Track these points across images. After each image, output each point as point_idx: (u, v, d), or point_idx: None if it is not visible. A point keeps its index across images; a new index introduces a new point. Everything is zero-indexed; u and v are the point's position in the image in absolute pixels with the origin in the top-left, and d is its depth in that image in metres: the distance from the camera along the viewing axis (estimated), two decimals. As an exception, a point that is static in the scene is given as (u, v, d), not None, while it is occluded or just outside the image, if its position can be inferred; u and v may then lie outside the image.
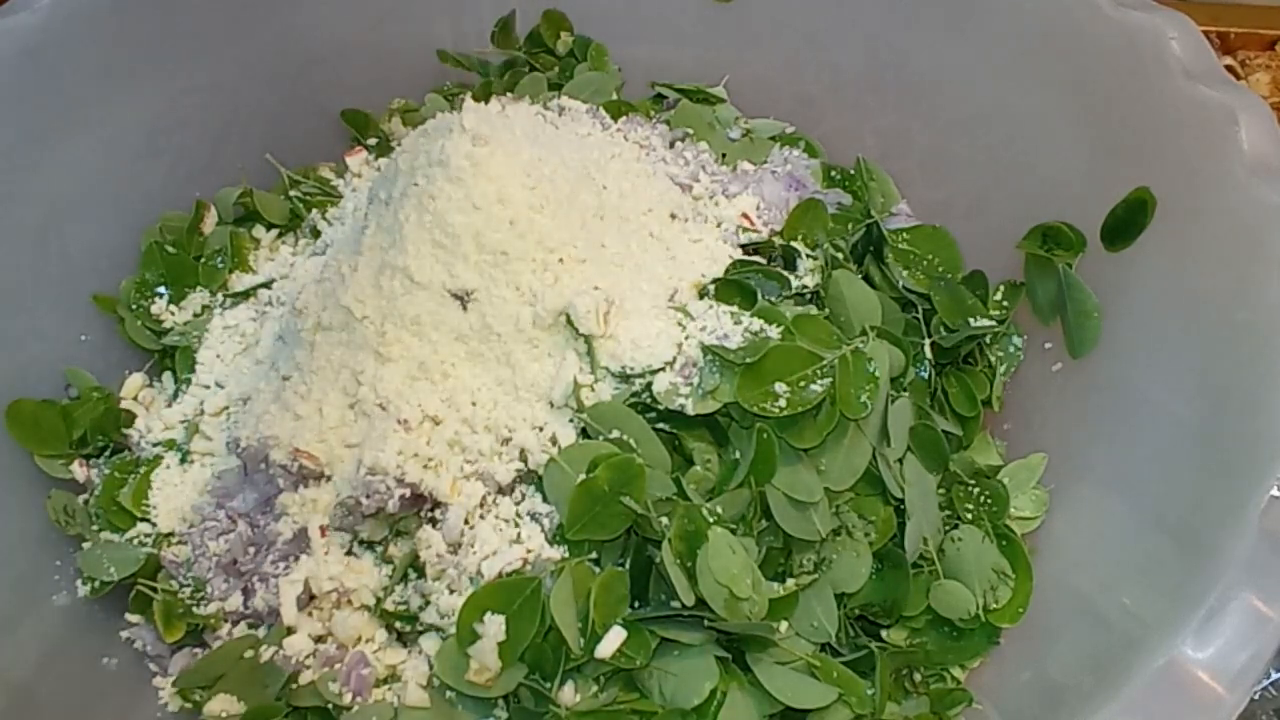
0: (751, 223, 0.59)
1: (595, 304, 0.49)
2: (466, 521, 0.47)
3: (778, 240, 0.59)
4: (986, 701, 0.48)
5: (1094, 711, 0.37)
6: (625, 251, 0.53)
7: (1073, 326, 0.53)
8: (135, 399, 0.58)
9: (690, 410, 0.48)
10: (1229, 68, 0.79)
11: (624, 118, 0.65)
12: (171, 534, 0.52)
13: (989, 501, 0.51)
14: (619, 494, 0.45)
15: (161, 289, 0.60)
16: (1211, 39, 0.81)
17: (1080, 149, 0.54)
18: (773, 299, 0.53)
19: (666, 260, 0.54)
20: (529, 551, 0.46)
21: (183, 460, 0.55)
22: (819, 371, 0.48)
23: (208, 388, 0.58)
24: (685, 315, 0.51)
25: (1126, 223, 0.51)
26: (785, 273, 0.55)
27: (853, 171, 0.65)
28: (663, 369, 0.49)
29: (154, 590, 0.50)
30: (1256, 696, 0.55)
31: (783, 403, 0.47)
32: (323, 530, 0.49)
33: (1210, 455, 0.43)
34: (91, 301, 0.58)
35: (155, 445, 0.56)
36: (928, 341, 0.55)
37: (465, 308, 0.49)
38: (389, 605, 0.49)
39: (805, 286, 0.55)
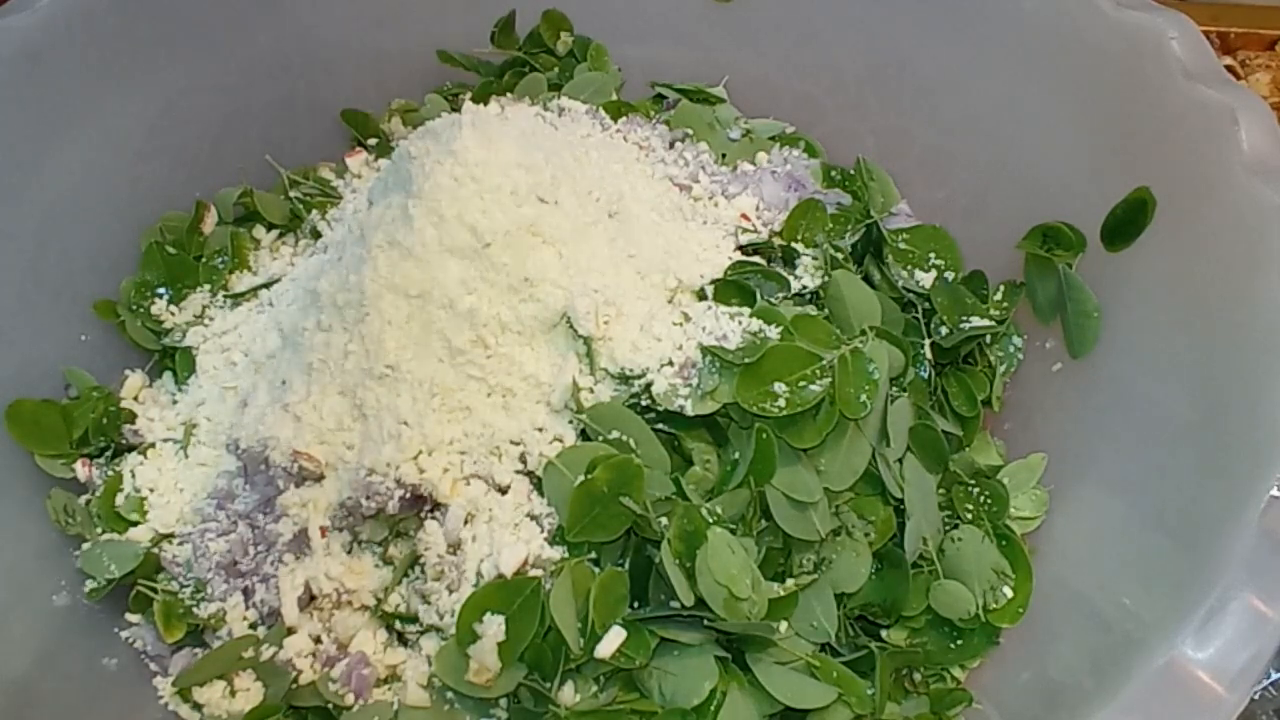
0: (751, 223, 0.59)
1: (594, 305, 0.49)
2: (466, 521, 0.47)
3: (777, 240, 0.59)
4: (986, 701, 0.48)
5: (1094, 711, 0.37)
6: (624, 253, 0.53)
7: (1073, 326, 0.53)
8: (135, 399, 0.58)
9: (689, 411, 0.48)
10: (1229, 68, 0.79)
11: (624, 118, 0.65)
12: (171, 534, 0.52)
13: (989, 501, 0.51)
14: (618, 495, 0.45)
15: (162, 289, 0.60)
16: (1211, 39, 0.81)
17: (1080, 149, 0.54)
18: (772, 299, 0.53)
19: (666, 261, 0.54)
20: (529, 552, 0.46)
21: (183, 461, 0.55)
22: (818, 372, 0.48)
23: (207, 388, 0.58)
24: (684, 316, 0.51)
25: (1126, 223, 0.51)
26: (785, 273, 0.56)
27: (853, 171, 0.65)
28: (662, 370, 0.49)
29: (154, 590, 0.50)
30: (1256, 696, 0.55)
31: (782, 403, 0.47)
32: (323, 531, 0.49)
33: (1210, 455, 0.43)
34: (92, 309, 0.59)
35: (155, 445, 0.56)
36: (928, 341, 0.55)
37: (465, 309, 0.49)
38: (389, 605, 0.49)
39: (805, 287, 0.55)
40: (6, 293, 0.54)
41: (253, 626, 0.50)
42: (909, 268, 0.59)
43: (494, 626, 0.43)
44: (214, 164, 0.65)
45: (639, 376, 0.49)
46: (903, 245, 0.59)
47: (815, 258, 0.58)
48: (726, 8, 0.69)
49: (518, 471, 0.49)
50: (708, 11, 0.69)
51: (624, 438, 0.48)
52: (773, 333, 0.50)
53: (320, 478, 0.49)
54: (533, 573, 0.46)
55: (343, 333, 0.50)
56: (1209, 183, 0.47)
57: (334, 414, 0.49)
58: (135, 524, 0.53)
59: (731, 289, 0.53)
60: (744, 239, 0.58)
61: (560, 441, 0.48)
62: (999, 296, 0.57)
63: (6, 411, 0.52)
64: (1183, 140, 0.48)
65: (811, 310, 0.53)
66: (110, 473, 0.54)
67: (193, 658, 0.50)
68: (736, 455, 0.49)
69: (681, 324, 0.51)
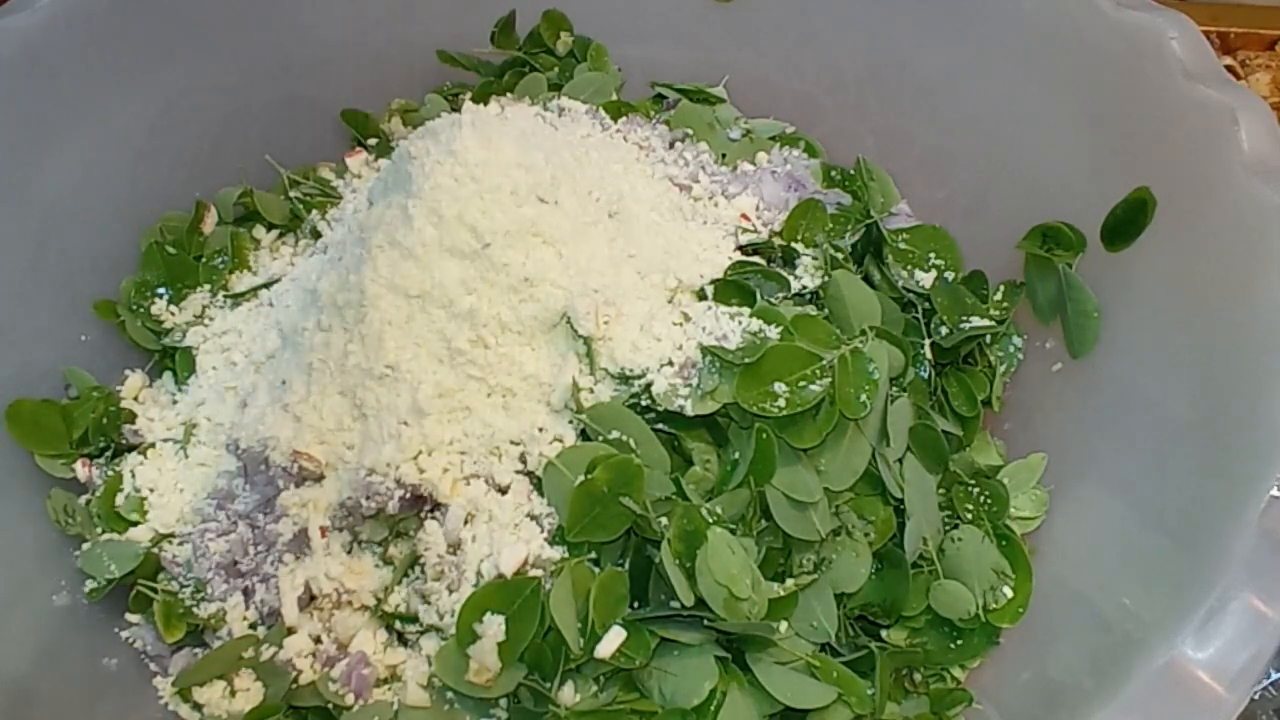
0: (751, 223, 0.59)
1: (594, 305, 0.49)
2: (466, 522, 0.47)
3: (777, 240, 0.59)
4: (986, 701, 0.48)
5: (1094, 711, 0.37)
6: (624, 253, 0.53)
7: (1073, 326, 0.53)
8: (135, 399, 0.58)
9: (689, 411, 0.48)
10: (1229, 68, 0.79)
11: (624, 118, 0.65)
12: (171, 534, 0.52)
13: (989, 501, 0.51)
14: (618, 495, 0.45)
15: (162, 289, 0.60)
16: (1211, 39, 0.81)
17: (1080, 149, 0.54)
18: (772, 299, 0.53)
19: (666, 261, 0.54)
20: (529, 552, 0.46)
21: (183, 461, 0.55)
22: (818, 371, 0.48)
23: (207, 388, 0.58)
24: (684, 316, 0.51)
25: (1126, 223, 0.51)
26: (785, 273, 0.56)
27: (853, 171, 0.65)
28: (662, 370, 0.49)
29: (154, 590, 0.50)
30: (1256, 696, 0.55)
31: (782, 403, 0.47)
32: (323, 531, 0.49)
33: (1210, 455, 0.43)
34: (92, 309, 0.59)
35: (155, 445, 0.56)
36: (928, 341, 0.55)
37: (465, 309, 0.49)
38: (389, 605, 0.49)
39: (805, 287, 0.55)
40: (6, 293, 0.54)
41: (253, 626, 0.50)
42: (909, 268, 0.59)
43: (494, 626, 0.43)
44: (214, 164, 0.65)
45: (639, 376, 0.49)
46: (903, 245, 0.59)
47: (815, 258, 0.58)
48: (726, 8, 0.69)
49: (518, 471, 0.49)
50: (708, 11, 0.69)
51: (624, 438, 0.48)
52: (773, 333, 0.50)
53: (320, 478, 0.49)
54: (533, 573, 0.46)
55: (343, 333, 0.50)
56: (1209, 183, 0.47)
57: (334, 414, 0.49)
58: (135, 524, 0.53)
59: (731, 289, 0.53)
60: (744, 239, 0.58)
61: (560, 441, 0.48)
62: (999, 296, 0.57)
63: (6, 411, 0.52)
64: (1183, 140, 0.48)
65: (811, 310, 0.53)
66: (110, 473, 0.54)
67: (193, 658, 0.50)
68: (736, 455, 0.49)
69: (681, 324, 0.51)
